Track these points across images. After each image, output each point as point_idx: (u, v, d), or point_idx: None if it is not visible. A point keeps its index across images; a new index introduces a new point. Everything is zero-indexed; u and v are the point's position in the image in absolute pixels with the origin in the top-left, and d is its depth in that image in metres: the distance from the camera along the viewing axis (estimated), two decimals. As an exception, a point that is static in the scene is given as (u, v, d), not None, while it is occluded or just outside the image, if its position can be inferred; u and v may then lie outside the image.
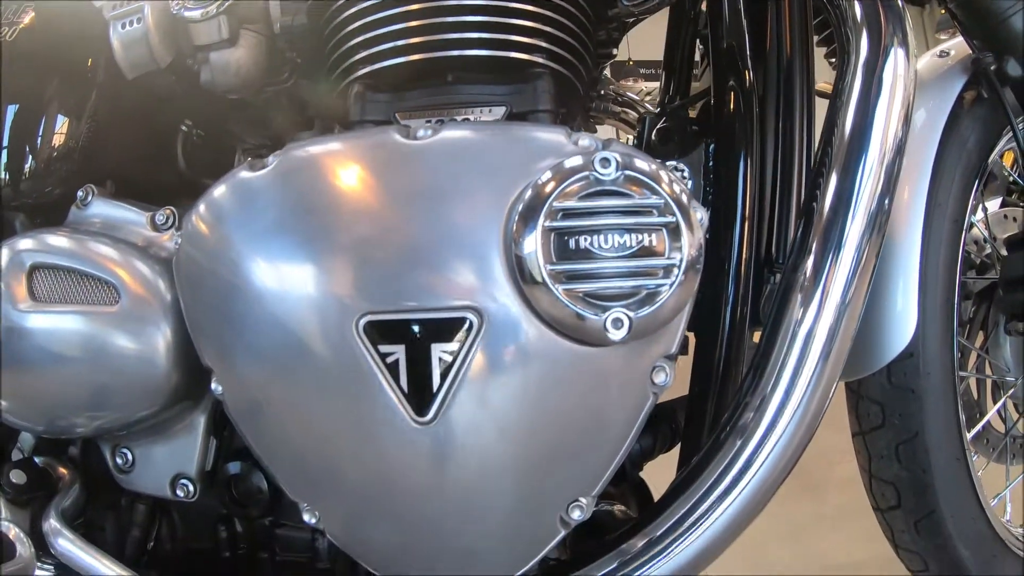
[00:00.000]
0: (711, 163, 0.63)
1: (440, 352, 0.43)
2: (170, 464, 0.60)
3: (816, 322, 0.51)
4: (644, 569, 0.48)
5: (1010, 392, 0.80)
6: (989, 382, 0.83)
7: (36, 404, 0.59)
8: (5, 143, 0.70)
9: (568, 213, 0.42)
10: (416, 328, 0.43)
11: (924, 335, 0.71)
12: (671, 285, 0.43)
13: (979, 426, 0.79)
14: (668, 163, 0.63)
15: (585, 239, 0.42)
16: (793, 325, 0.51)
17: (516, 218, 0.43)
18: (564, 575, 0.50)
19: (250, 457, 0.60)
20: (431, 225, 0.44)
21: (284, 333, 0.44)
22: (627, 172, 0.43)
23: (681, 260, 0.43)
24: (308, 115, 0.87)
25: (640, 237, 0.42)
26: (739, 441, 0.51)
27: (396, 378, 0.43)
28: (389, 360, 0.43)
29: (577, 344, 0.44)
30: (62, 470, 0.65)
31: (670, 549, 0.49)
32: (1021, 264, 0.69)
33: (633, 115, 1.22)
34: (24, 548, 0.55)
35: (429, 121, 0.57)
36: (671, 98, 0.80)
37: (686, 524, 0.50)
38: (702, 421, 0.57)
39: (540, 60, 0.56)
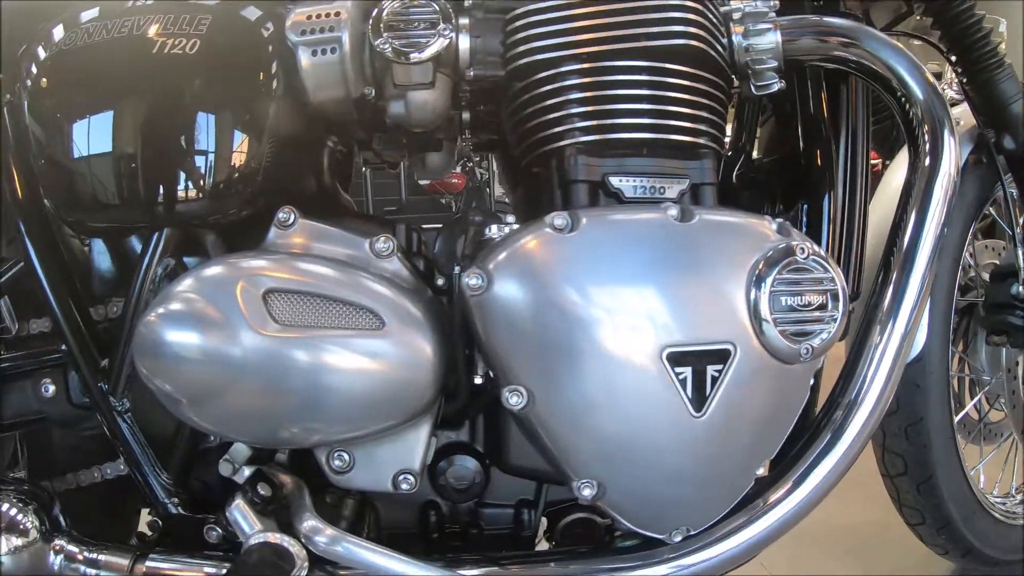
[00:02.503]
0: (804, 220, 0.88)
1: (712, 371, 0.65)
2: (393, 462, 0.72)
3: (889, 341, 0.79)
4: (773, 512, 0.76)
5: (985, 389, 1.16)
6: (968, 380, 1.18)
7: (285, 421, 0.68)
8: (187, 158, 0.73)
9: (782, 281, 0.66)
10: (699, 356, 0.64)
11: (929, 344, 1.05)
12: (834, 328, 0.69)
13: (960, 415, 1.13)
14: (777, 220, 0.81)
15: (791, 298, 0.67)
16: (872, 345, 0.78)
17: (753, 283, 0.66)
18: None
19: (467, 450, 0.77)
20: (705, 285, 0.65)
21: (604, 360, 0.63)
22: (812, 257, 0.68)
23: (839, 313, 0.68)
24: (436, 139, 0.98)
25: (818, 297, 0.68)
26: (831, 432, 0.78)
27: (684, 388, 0.65)
28: (680, 377, 0.64)
29: (781, 363, 0.68)
30: (283, 477, 0.74)
31: (787, 501, 0.76)
32: (1002, 293, 1.03)
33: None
34: (300, 553, 0.65)
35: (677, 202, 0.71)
36: (741, 147, 1.01)
37: (800, 484, 0.77)
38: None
39: (704, 142, 0.74)
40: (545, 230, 0.64)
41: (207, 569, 0.73)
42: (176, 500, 0.77)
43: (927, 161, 0.81)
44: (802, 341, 0.67)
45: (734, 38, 0.76)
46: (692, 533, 0.73)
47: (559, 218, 0.65)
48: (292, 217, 0.75)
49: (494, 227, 0.72)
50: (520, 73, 0.76)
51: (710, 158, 0.74)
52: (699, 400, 0.65)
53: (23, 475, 1.03)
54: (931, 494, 1.06)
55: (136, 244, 0.85)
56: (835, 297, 0.68)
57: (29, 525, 0.76)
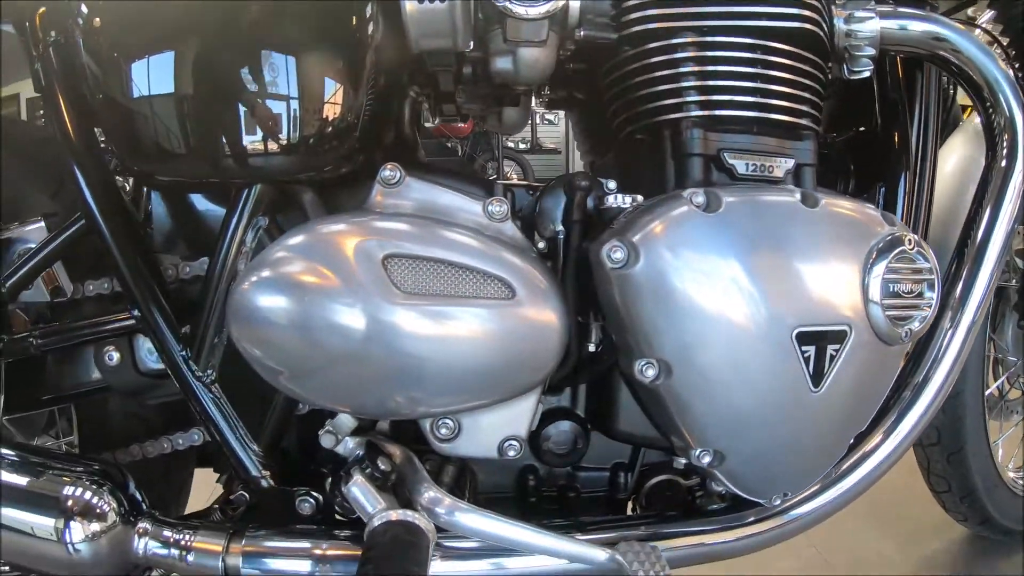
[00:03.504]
0: (880, 202, 0.92)
1: (831, 349, 0.69)
2: (500, 429, 0.73)
3: (958, 328, 0.86)
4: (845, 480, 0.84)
5: (1010, 371, 1.28)
6: (992, 359, 1.30)
7: (403, 393, 0.67)
8: (280, 107, 0.68)
9: (891, 268, 0.71)
10: (822, 336, 0.68)
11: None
12: (929, 314, 0.74)
13: (988, 391, 1.25)
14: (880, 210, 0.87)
15: (896, 284, 0.72)
16: (943, 330, 0.85)
17: (867, 269, 0.70)
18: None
19: (568, 415, 0.80)
20: (829, 269, 0.69)
21: (740, 337, 0.65)
22: (918, 248, 0.72)
23: (935, 300, 0.74)
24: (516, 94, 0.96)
25: (919, 286, 0.73)
26: (898, 410, 0.85)
27: (808, 365, 0.68)
28: (805, 355, 0.68)
29: (884, 344, 0.72)
30: (391, 448, 0.74)
31: (859, 470, 0.84)
32: (1036, 279, 1.14)
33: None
34: (428, 527, 0.65)
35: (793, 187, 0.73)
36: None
37: (869, 456, 0.85)
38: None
39: (806, 123, 0.76)
40: (688, 207, 0.66)
41: (305, 544, 0.72)
42: (268, 472, 0.76)
43: (1003, 163, 0.87)
44: (903, 325, 0.73)
45: (835, 21, 0.79)
46: (789, 497, 0.80)
47: (698, 195, 0.67)
48: (398, 175, 0.73)
49: (620, 197, 0.73)
50: (634, 39, 0.76)
51: (811, 139, 0.76)
52: (817, 376, 0.69)
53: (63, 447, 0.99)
54: (960, 464, 1.16)
55: (209, 198, 0.83)
56: (931, 286, 0.74)
57: (106, 508, 0.71)
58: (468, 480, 0.79)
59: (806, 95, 0.77)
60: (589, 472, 0.83)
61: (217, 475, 0.88)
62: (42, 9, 0.84)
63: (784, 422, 0.70)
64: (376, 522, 0.65)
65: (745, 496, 0.76)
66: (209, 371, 0.75)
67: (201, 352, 0.75)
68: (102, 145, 0.80)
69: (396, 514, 0.66)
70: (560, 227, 0.77)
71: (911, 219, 0.89)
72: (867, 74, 0.81)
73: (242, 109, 0.69)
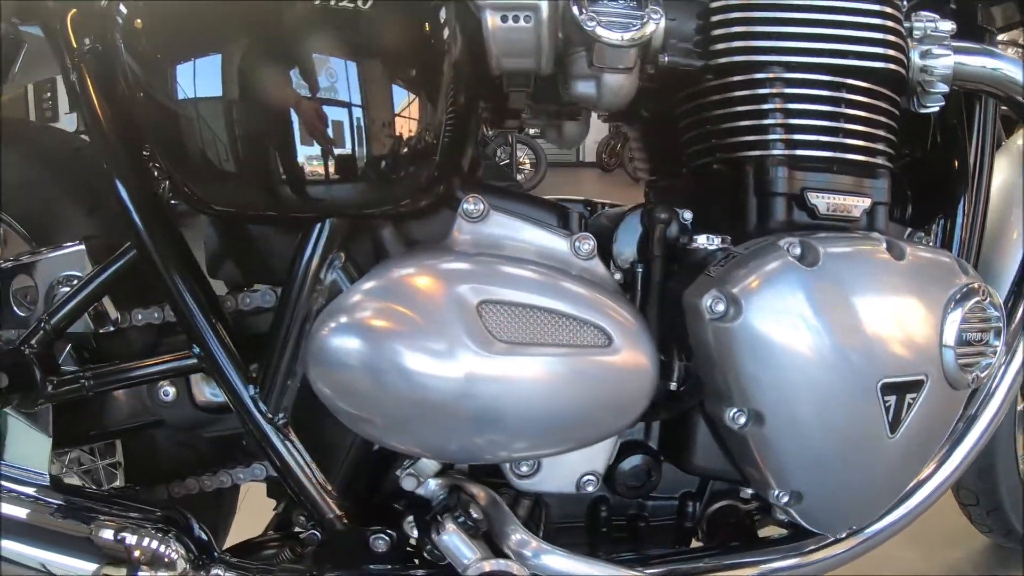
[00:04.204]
0: (939, 237, 0.94)
1: (909, 397, 0.72)
2: (580, 465, 0.75)
3: (1010, 365, 0.92)
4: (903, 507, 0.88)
5: None
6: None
7: (493, 440, 0.67)
8: (357, 134, 0.66)
9: (964, 319, 0.73)
10: (904, 386, 0.70)
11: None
12: (994, 360, 0.76)
13: (1020, 408, 1.30)
14: (917, 235, 0.91)
15: (968, 333, 0.74)
16: (997, 367, 0.90)
17: (945, 319, 0.73)
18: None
19: (646, 449, 0.81)
20: (913, 320, 0.71)
21: (831, 389, 0.67)
22: (990, 298, 0.75)
23: (1000, 346, 0.76)
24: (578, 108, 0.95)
25: (987, 334, 0.75)
26: (952, 441, 0.90)
27: (888, 414, 0.70)
28: (887, 404, 0.70)
29: (953, 389, 0.75)
30: (474, 488, 0.74)
31: (914, 497, 0.88)
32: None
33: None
34: (521, 573, 0.66)
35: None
36: None
37: (923, 484, 0.89)
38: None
39: (881, 161, 0.77)
40: (787, 259, 0.66)
41: (387, 585, 0.73)
42: (341, 513, 0.76)
43: None
44: (971, 371, 0.75)
45: (911, 54, 0.79)
46: (855, 529, 0.83)
47: (795, 247, 0.67)
48: (482, 208, 0.72)
49: (708, 238, 0.74)
50: (721, 69, 0.75)
51: (886, 177, 0.78)
52: (895, 423, 0.71)
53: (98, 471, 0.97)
54: (989, 478, 1.22)
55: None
56: (997, 334, 0.76)
57: (175, 555, 0.70)
58: (542, 512, 0.80)
59: (882, 132, 0.77)
60: (658, 501, 0.85)
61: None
62: (73, 11, 0.80)
63: (861, 466, 0.73)
64: (471, 573, 0.66)
65: (812, 530, 0.79)
66: (281, 414, 0.74)
67: (272, 394, 0.73)
68: (150, 163, 0.77)
69: (490, 564, 0.67)
70: (635, 256, 0.78)
71: (967, 249, 0.92)
72: (936, 108, 0.82)
73: (314, 134, 0.66)
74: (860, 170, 0.77)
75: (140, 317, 0.80)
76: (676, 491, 0.85)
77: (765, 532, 0.89)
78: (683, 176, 0.87)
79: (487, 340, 0.66)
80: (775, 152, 0.75)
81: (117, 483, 0.91)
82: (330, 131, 0.66)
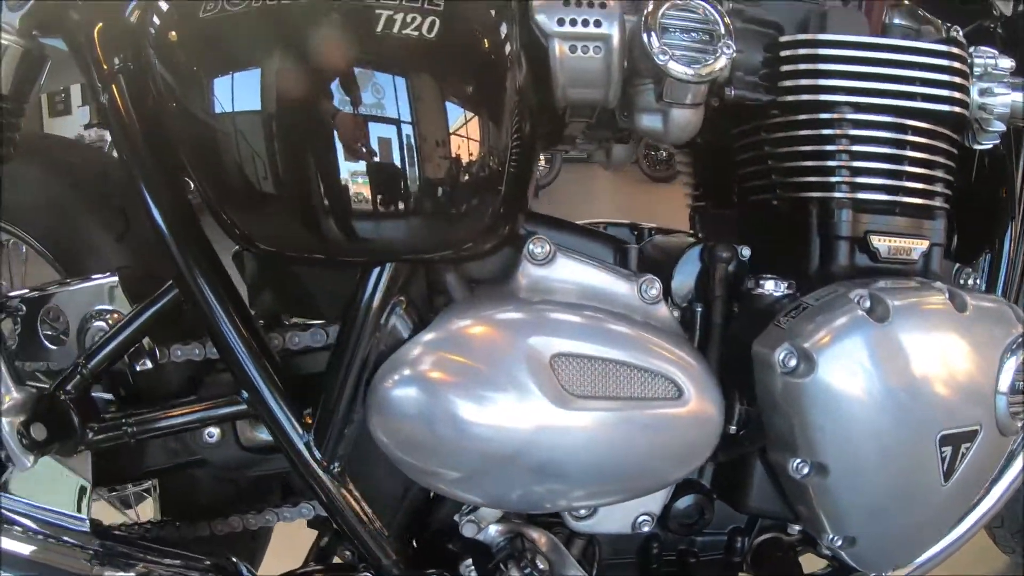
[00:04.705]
0: (985, 272, 0.94)
1: (964, 447, 0.73)
2: (636, 507, 0.75)
3: None
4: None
5: None
6: None
7: (560, 491, 0.67)
8: (421, 174, 0.62)
9: (1019, 368, 0.74)
10: (960, 436, 0.72)
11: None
12: None
13: None
14: (965, 271, 0.88)
15: (1020, 382, 0.75)
16: None
17: (1001, 368, 0.73)
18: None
19: (699, 488, 0.81)
20: (972, 373, 0.71)
21: (894, 442, 0.68)
22: None
23: None
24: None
25: None
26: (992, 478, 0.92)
27: (943, 464, 0.72)
28: (943, 455, 0.71)
29: (1002, 436, 0.77)
30: (533, 532, 0.74)
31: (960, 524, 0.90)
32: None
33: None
34: None
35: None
36: None
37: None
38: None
39: (939, 203, 0.77)
40: (858, 314, 0.67)
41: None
42: (398, 558, 0.75)
43: None
44: (1020, 417, 0.77)
45: (971, 90, 0.78)
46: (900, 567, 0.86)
47: (865, 300, 0.67)
48: (548, 251, 0.70)
49: (773, 284, 0.73)
50: (787, 106, 0.74)
51: (943, 217, 0.78)
52: (948, 472, 0.73)
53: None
54: (1016, 502, 1.26)
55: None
56: None
57: None
58: (595, 551, 0.80)
59: (940, 173, 0.77)
60: (707, 537, 0.86)
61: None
62: (100, 24, 0.74)
63: (913, 512, 0.74)
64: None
65: (859, 568, 0.81)
66: (336, 464, 0.72)
67: (328, 441, 0.71)
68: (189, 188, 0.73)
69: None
70: (693, 294, 0.77)
71: (1013, 284, 0.93)
72: (990, 146, 0.82)
73: (374, 171, 0.62)
74: (919, 211, 0.77)
75: (179, 353, 0.76)
76: (725, 527, 0.86)
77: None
78: (737, 207, 0.86)
79: (560, 394, 0.65)
80: (839, 195, 0.74)
81: (151, 513, 0.88)
82: (391, 168, 0.62)
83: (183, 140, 0.66)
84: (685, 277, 0.78)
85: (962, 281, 0.85)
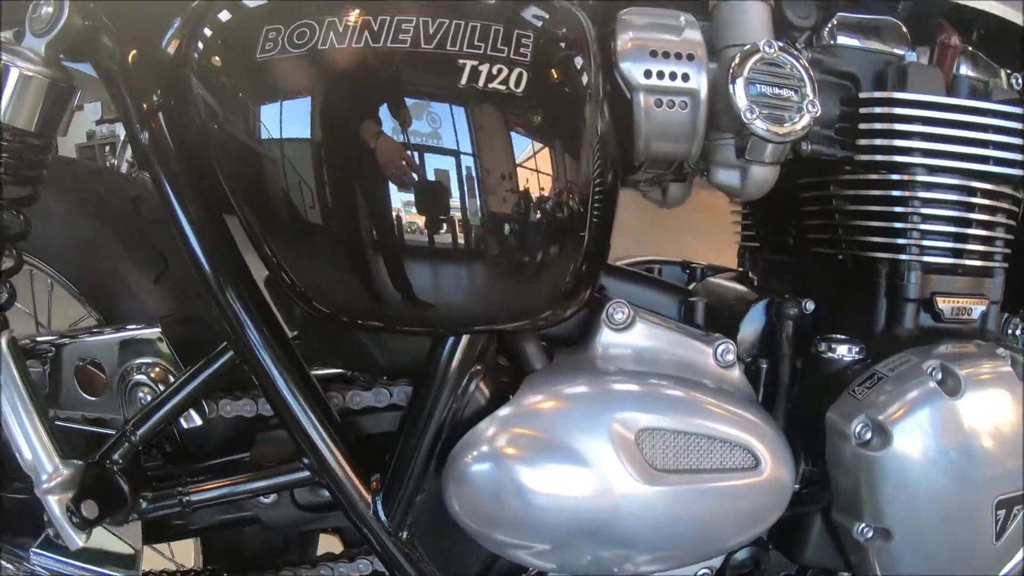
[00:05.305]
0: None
1: (1015, 509, 0.74)
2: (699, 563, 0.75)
3: None
4: None
5: None
6: None
7: (637, 560, 0.67)
8: (499, 242, 0.59)
9: None
10: (1014, 500, 0.73)
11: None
12: None
13: None
14: (1013, 321, 0.88)
15: None
16: None
17: None
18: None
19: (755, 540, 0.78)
20: None
21: (956, 509, 0.71)
22: None
23: None
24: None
25: None
26: None
27: (996, 525, 0.74)
28: (997, 518, 0.73)
29: None
30: None
31: None
32: None
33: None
34: None
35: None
36: None
37: None
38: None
39: (998, 262, 0.78)
40: (932, 386, 0.68)
41: None
42: None
43: None
44: None
45: None
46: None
47: (938, 372, 0.69)
48: (630, 316, 0.69)
49: (845, 349, 0.74)
50: (863, 164, 0.74)
51: (1001, 275, 0.79)
52: (1000, 532, 0.75)
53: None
54: None
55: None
56: None
57: None
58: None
59: (1001, 232, 0.78)
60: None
61: None
62: (133, 52, 0.67)
63: (964, 569, 0.77)
64: None
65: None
66: (404, 531, 0.70)
67: (397, 510, 0.69)
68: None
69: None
70: (757, 349, 0.77)
71: None
72: None
73: (453, 234, 0.59)
74: (980, 271, 0.78)
75: (229, 409, 0.73)
76: (777, 574, 0.87)
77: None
78: (796, 254, 0.85)
79: (645, 470, 0.65)
80: (908, 256, 0.74)
81: (190, 554, 0.85)
82: (471, 233, 0.59)
83: (241, 190, 0.61)
84: (750, 331, 0.78)
85: (1010, 331, 0.86)
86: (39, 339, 0.75)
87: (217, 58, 0.62)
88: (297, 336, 0.76)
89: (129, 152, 2.77)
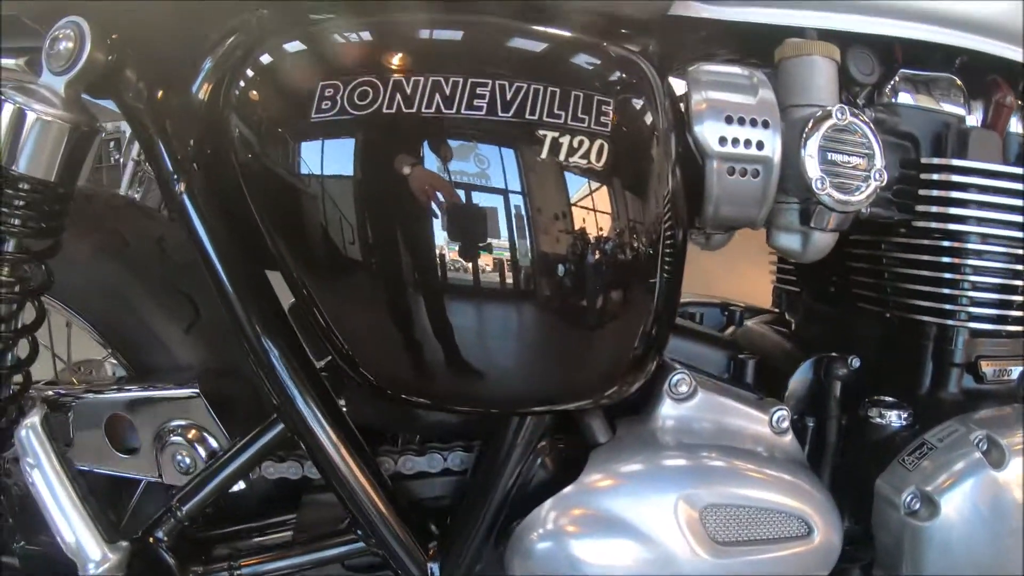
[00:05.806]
0: None
1: None
2: None
3: None
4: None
5: None
6: None
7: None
8: (569, 322, 0.57)
9: None
10: None
11: None
12: None
13: None
14: None
15: None
16: None
17: None
18: None
19: None
20: None
21: (987, 569, 0.72)
22: None
23: None
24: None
25: None
26: None
27: None
28: None
29: None
30: None
31: None
32: None
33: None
34: None
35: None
36: None
37: None
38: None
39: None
40: (978, 458, 0.70)
41: None
42: None
43: None
44: None
45: None
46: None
47: (984, 442, 0.71)
48: (692, 387, 0.69)
49: (894, 415, 0.75)
50: (918, 228, 0.74)
51: None
52: None
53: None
54: None
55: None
56: None
57: None
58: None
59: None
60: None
61: None
62: (160, 91, 0.61)
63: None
64: None
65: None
66: None
67: None
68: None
69: None
70: (804, 406, 0.78)
71: None
72: None
73: (524, 315, 0.57)
74: (1019, 332, 0.79)
75: (272, 471, 0.70)
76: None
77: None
78: (841, 307, 0.86)
79: (710, 544, 0.65)
80: (956, 322, 0.75)
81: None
82: (548, 309, 0.57)
83: (293, 255, 0.58)
84: (797, 386, 0.79)
85: None
86: (63, 392, 0.70)
87: (264, 111, 0.57)
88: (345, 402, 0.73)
89: (135, 150, 2.58)
